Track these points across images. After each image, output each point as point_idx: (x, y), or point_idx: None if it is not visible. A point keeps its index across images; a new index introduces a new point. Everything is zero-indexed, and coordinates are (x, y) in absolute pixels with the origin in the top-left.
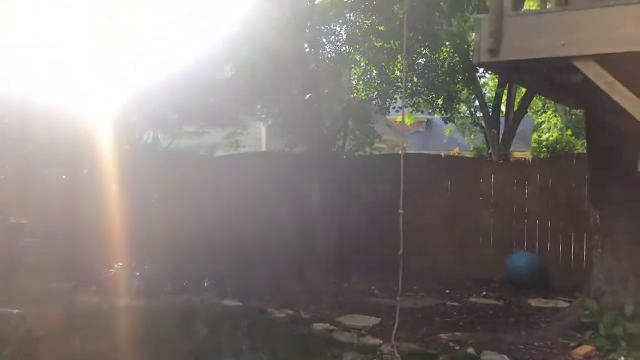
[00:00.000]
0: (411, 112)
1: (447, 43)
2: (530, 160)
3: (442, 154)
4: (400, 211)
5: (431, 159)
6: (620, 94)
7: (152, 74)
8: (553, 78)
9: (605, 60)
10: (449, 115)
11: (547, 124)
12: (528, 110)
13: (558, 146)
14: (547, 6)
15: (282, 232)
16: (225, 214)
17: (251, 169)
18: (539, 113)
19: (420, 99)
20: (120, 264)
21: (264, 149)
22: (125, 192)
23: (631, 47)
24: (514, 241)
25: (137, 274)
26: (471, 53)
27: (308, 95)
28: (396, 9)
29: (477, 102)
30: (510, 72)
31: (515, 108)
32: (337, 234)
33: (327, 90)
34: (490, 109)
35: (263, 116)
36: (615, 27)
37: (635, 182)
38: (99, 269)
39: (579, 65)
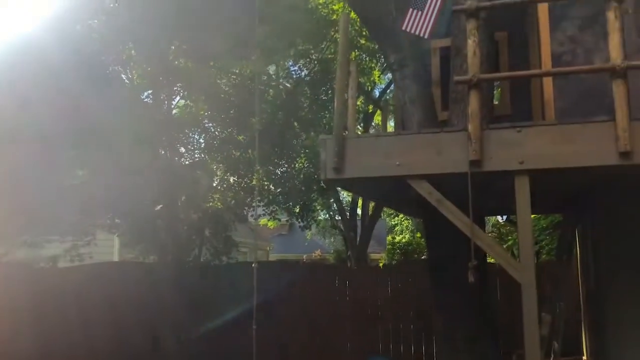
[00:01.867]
0: (269, 219)
1: (302, 155)
2: (382, 265)
3: (304, 256)
4: (254, 327)
5: (288, 265)
6: (448, 210)
7: None
8: (393, 193)
9: (435, 179)
10: (305, 223)
11: (399, 226)
12: (382, 214)
13: (410, 248)
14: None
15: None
16: (66, 331)
17: (100, 280)
18: (392, 216)
19: (277, 207)
20: None
21: (116, 258)
22: None
23: (455, 169)
24: (370, 345)
25: None
26: None
27: (160, 206)
28: (254, 120)
29: (335, 207)
30: (354, 187)
31: (371, 212)
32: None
33: (184, 198)
34: (348, 213)
35: (117, 221)
36: (442, 151)
37: (468, 289)
38: None
39: (412, 183)
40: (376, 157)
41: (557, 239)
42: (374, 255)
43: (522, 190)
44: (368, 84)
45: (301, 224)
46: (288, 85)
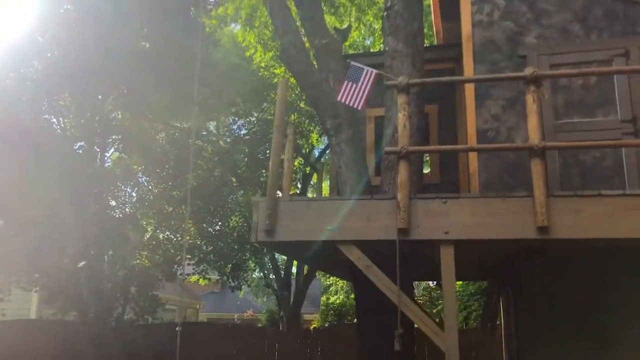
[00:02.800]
0: (199, 278)
1: (237, 212)
2: (312, 328)
3: (236, 316)
4: None
5: (216, 328)
6: (376, 277)
7: None
8: (324, 256)
9: (365, 245)
10: (236, 283)
11: (334, 286)
12: (317, 273)
13: (344, 309)
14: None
15: None
16: None
17: (6, 340)
18: (328, 276)
19: (208, 265)
20: None
21: (33, 315)
22: None
23: (384, 237)
24: None
25: None
26: None
27: (82, 263)
28: (189, 176)
29: (270, 265)
30: (286, 250)
31: (306, 272)
32: None
33: (111, 253)
34: (283, 272)
35: (37, 276)
36: (372, 218)
37: (397, 355)
38: None
39: (342, 248)
40: (308, 221)
41: (482, 306)
42: (307, 316)
43: (447, 260)
44: (306, 145)
45: (232, 284)
46: (227, 141)
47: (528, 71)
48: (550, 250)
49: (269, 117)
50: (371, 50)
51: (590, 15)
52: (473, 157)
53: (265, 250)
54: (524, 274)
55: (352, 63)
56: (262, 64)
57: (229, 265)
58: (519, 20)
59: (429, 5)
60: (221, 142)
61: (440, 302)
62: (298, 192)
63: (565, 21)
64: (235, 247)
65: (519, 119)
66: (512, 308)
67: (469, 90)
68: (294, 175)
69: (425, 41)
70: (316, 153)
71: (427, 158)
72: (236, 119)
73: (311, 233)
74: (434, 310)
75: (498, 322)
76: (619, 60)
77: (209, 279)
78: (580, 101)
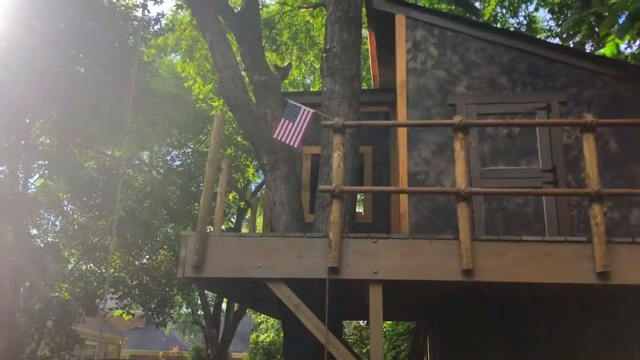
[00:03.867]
0: (123, 313)
1: (166, 246)
2: None
3: (161, 353)
4: None
5: None
6: (305, 316)
7: None
8: (254, 293)
9: (295, 283)
10: (161, 319)
11: (265, 324)
12: (247, 310)
13: (273, 347)
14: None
15: None
16: None
17: None
18: (258, 314)
19: (132, 300)
20: None
21: None
22: None
23: (314, 275)
24: None
25: None
26: None
27: None
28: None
29: (199, 301)
30: (214, 287)
31: (236, 308)
32: None
33: (28, 284)
34: (212, 309)
35: None
36: (303, 256)
37: None
38: None
39: (272, 287)
40: (238, 257)
41: (410, 346)
42: (235, 354)
43: (375, 299)
44: (242, 180)
45: (157, 319)
46: (160, 172)
47: (456, 119)
48: (475, 293)
49: (204, 150)
50: (311, 89)
51: (515, 69)
52: (404, 198)
53: (193, 285)
54: (449, 315)
55: (290, 101)
56: (201, 96)
57: (155, 300)
58: (450, 70)
59: (367, 50)
60: (154, 172)
61: (369, 341)
62: (232, 226)
63: (493, 74)
64: (163, 281)
65: (447, 164)
66: (439, 347)
67: (402, 133)
68: (228, 209)
69: (363, 84)
70: (253, 187)
71: (362, 197)
72: (170, 149)
73: (240, 270)
74: (364, 350)
75: None
76: (541, 113)
77: (133, 314)
78: (506, 150)
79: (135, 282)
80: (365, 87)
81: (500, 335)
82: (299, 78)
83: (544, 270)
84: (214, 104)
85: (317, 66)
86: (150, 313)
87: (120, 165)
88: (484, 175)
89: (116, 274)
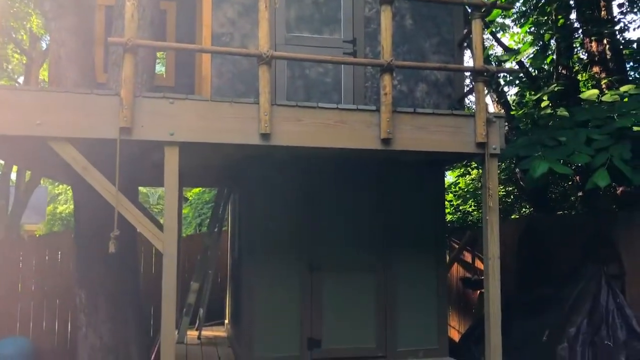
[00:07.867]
0: None
1: None
2: (27, 237)
3: None
4: None
5: None
6: (94, 179)
7: None
8: (38, 156)
9: (83, 144)
10: None
11: (64, 195)
12: (42, 180)
13: (73, 219)
14: None
15: None
16: None
17: None
18: (57, 185)
19: None
20: None
21: None
22: None
23: (103, 135)
24: (6, 325)
25: None
26: None
27: None
28: None
29: None
30: None
31: (28, 177)
32: None
33: None
34: None
35: None
36: (91, 115)
37: (116, 262)
38: None
39: (55, 147)
40: (15, 114)
41: (211, 211)
42: (30, 226)
43: (171, 162)
44: (24, 31)
45: None
46: None
47: None
48: (273, 157)
49: None
50: None
51: None
52: (207, 60)
53: None
54: (247, 179)
55: None
56: None
57: None
58: None
59: None
60: None
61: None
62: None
63: None
64: None
65: (253, 26)
66: (237, 212)
67: None
68: (6, 65)
69: None
70: (44, 45)
71: (164, 57)
72: None
73: (18, 127)
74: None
75: (225, 227)
76: None
77: None
78: (311, 17)
79: None
80: None
81: (290, 196)
82: None
83: (336, 135)
84: None
85: None
86: None
87: None
88: (288, 42)
89: None
